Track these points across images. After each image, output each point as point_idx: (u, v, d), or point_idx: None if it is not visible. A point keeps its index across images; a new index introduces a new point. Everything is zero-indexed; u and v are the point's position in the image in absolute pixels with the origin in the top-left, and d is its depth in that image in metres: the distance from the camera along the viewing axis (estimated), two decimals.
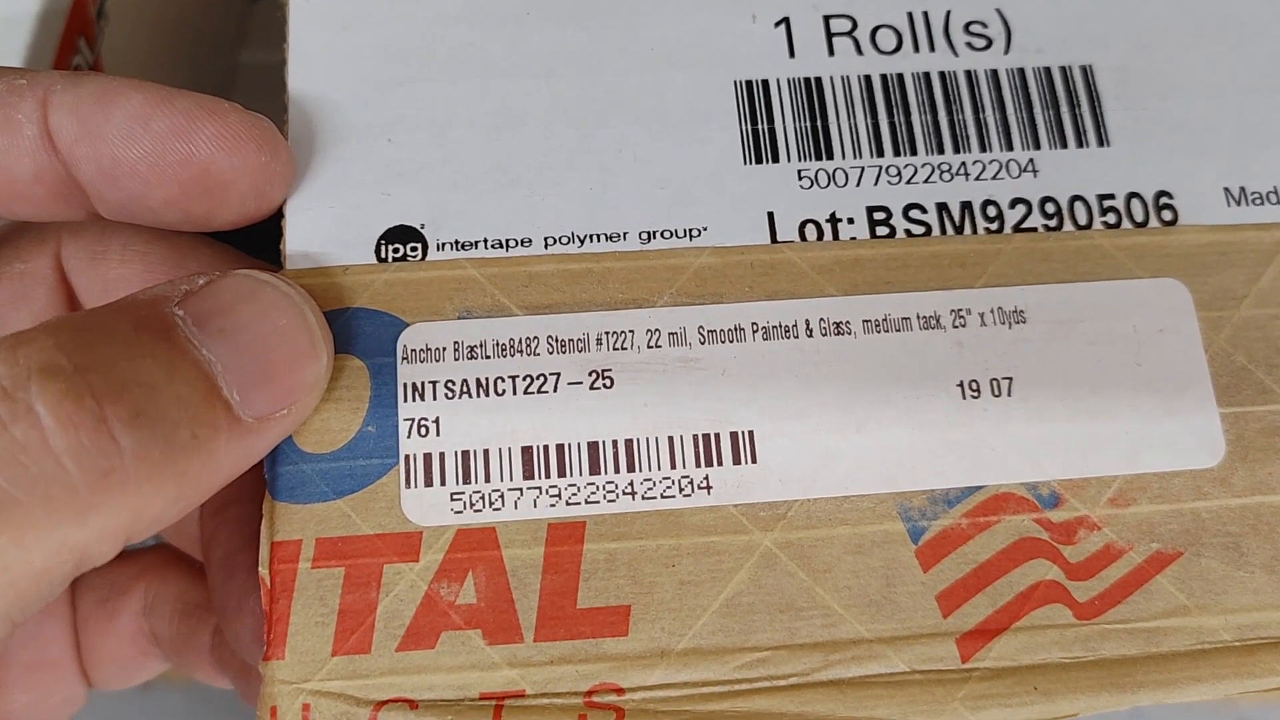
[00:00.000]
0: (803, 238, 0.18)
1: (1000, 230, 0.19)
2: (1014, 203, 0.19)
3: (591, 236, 0.18)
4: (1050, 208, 0.19)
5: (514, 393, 0.17)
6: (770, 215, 0.19)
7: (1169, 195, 0.19)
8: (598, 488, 0.17)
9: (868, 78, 0.19)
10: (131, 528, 0.14)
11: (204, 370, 0.15)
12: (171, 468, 0.14)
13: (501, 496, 0.17)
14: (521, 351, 0.18)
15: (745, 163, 0.19)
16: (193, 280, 0.16)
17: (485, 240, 0.18)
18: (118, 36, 0.24)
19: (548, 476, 0.17)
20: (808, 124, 0.19)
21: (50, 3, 0.21)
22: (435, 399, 0.17)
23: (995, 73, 0.20)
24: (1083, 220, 0.19)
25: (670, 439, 0.17)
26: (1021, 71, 0.20)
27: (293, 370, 0.16)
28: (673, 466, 0.17)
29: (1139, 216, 0.19)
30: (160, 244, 0.19)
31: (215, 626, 0.21)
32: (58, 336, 0.14)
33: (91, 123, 0.16)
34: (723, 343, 0.18)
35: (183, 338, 0.15)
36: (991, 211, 0.19)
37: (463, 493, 0.17)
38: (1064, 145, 0.19)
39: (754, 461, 0.17)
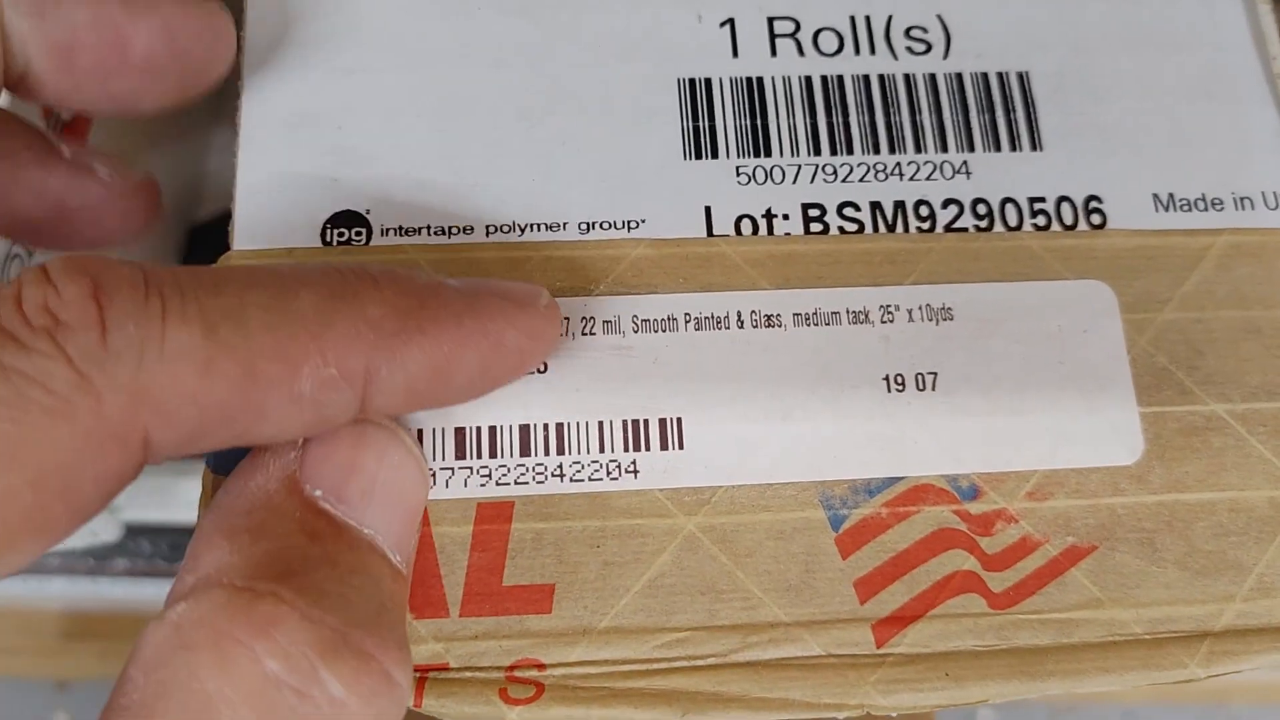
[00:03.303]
0: (738, 232, 0.19)
1: (932, 229, 0.19)
2: (946, 203, 0.19)
3: (532, 226, 0.19)
4: (982, 209, 0.19)
5: None
6: (707, 209, 0.19)
7: (1099, 199, 0.19)
8: (527, 469, 0.18)
9: (808, 78, 0.20)
10: None
11: (382, 555, 0.16)
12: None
13: (433, 475, 0.17)
14: None
15: (685, 158, 0.19)
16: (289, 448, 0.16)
17: (428, 227, 0.19)
18: None
19: (479, 457, 0.18)
20: (748, 122, 0.20)
21: None
22: None
23: (933, 76, 0.20)
24: (1013, 222, 0.19)
25: (600, 424, 0.18)
26: (959, 76, 0.20)
27: (420, 508, 0.17)
28: (601, 450, 0.18)
29: (1068, 219, 0.19)
30: None
31: None
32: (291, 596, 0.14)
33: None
34: (656, 332, 0.18)
35: (347, 526, 0.15)
36: (924, 211, 0.19)
37: None
38: (998, 149, 0.20)
39: (681, 448, 0.18)
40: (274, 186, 0.19)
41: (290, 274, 0.15)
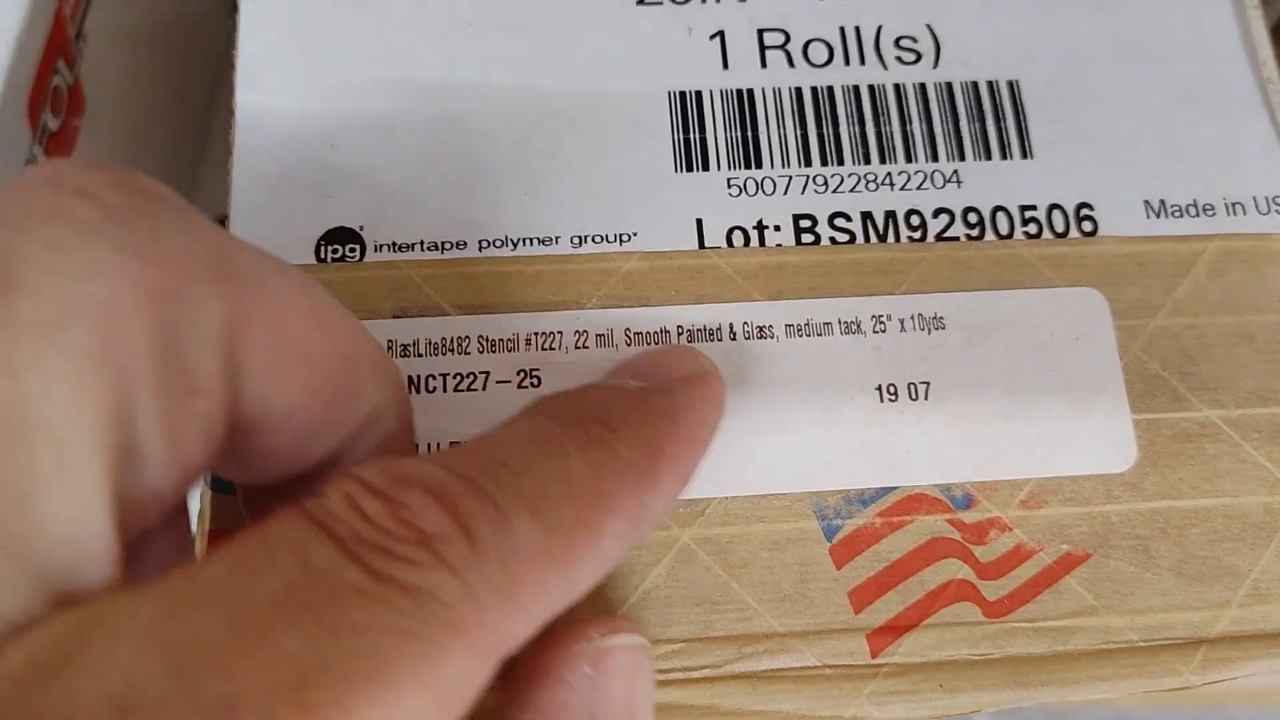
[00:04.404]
0: (730, 244, 0.19)
1: (923, 239, 0.19)
2: (937, 212, 0.19)
3: (525, 240, 0.19)
4: (973, 217, 0.19)
5: (444, 390, 0.18)
6: (699, 221, 0.19)
7: (1090, 206, 0.19)
8: None
9: (798, 89, 0.20)
10: None
11: None
12: None
13: None
14: (453, 350, 0.18)
15: (676, 170, 0.19)
16: None
17: (422, 242, 0.19)
18: (98, 57, 0.24)
19: None
20: (738, 134, 0.20)
21: (27, 24, 0.21)
22: None
23: (923, 86, 0.20)
24: (1004, 230, 0.19)
25: None
26: (949, 85, 0.20)
27: None
28: None
29: (1060, 227, 0.19)
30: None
31: None
32: None
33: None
34: (649, 344, 0.18)
35: None
36: (915, 220, 0.19)
37: None
38: (988, 157, 0.20)
39: None
40: (268, 204, 0.19)
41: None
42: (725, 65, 0.20)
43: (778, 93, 0.20)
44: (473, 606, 0.12)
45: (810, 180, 0.19)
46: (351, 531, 0.11)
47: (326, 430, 0.14)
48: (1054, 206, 0.19)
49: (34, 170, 0.12)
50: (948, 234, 0.19)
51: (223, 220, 0.19)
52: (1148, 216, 0.19)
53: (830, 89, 0.20)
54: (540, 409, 0.15)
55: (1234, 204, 0.20)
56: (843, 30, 0.20)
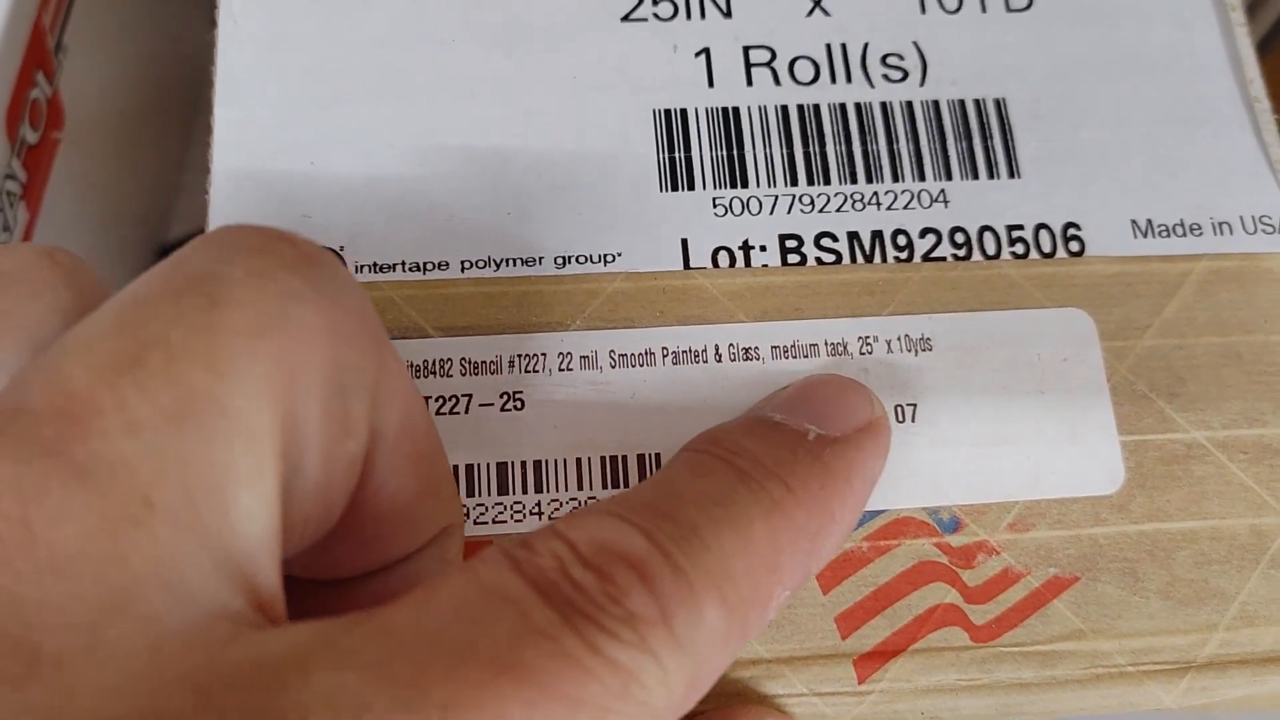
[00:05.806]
0: (715, 264, 0.19)
1: (909, 259, 0.19)
2: (924, 232, 0.19)
3: (508, 261, 0.19)
4: (960, 238, 0.19)
5: None
6: (684, 242, 0.19)
7: (1077, 226, 0.19)
8: (505, 508, 0.17)
9: (784, 108, 0.20)
10: None
11: None
12: None
13: None
14: (435, 373, 0.18)
15: (661, 190, 0.19)
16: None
17: (403, 263, 0.19)
18: (78, 70, 0.24)
19: None
20: (724, 153, 0.19)
21: (5, 36, 0.21)
22: None
23: (910, 104, 0.20)
24: (991, 250, 0.19)
25: (578, 460, 0.18)
26: (936, 103, 0.20)
27: None
28: (580, 488, 0.18)
29: (1047, 247, 0.19)
30: None
31: None
32: None
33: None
34: (633, 366, 0.18)
35: None
36: (901, 241, 0.19)
37: None
38: (975, 176, 0.20)
39: None
40: (246, 222, 0.19)
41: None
42: (711, 83, 0.20)
43: (764, 111, 0.20)
44: (666, 692, 0.12)
45: (796, 200, 0.19)
46: (563, 596, 0.12)
47: (414, 528, 0.14)
48: (1041, 226, 0.19)
49: (236, 223, 0.13)
50: (934, 254, 0.19)
51: None
52: (1135, 236, 0.19)
53: (816, 107, 0.20)
54: (720, 452, 0.15)
55: (1221, 223, 0.19)
56: (829, 48, 0.20)
